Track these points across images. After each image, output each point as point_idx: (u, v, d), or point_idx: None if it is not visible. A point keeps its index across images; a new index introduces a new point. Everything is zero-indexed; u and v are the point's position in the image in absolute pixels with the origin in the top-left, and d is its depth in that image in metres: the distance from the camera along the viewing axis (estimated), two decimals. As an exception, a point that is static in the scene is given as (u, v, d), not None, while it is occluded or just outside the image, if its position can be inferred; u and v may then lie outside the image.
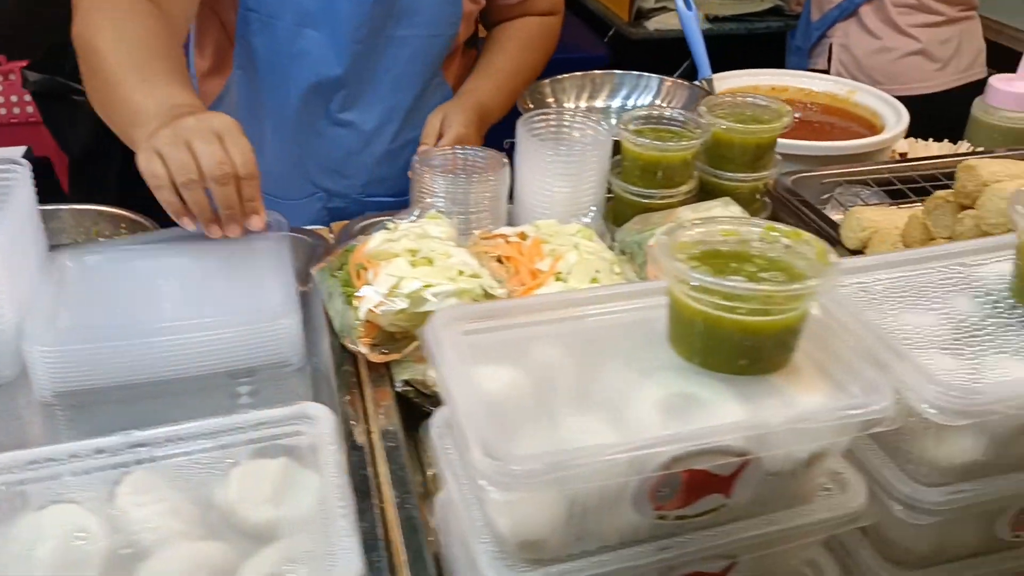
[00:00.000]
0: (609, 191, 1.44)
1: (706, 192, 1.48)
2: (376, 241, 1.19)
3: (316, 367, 1.21)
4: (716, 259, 0.77)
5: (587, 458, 0.65)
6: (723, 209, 1.37)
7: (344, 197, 1.81)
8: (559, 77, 1.81)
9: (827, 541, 0.88)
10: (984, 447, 0.78)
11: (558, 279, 1.19)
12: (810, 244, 0.78)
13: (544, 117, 1.38)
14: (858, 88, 2.03)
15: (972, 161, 1.21)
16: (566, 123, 1.39)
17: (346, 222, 1.47)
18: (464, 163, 1.41)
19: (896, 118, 1.89)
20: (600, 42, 3.66)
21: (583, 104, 1.83)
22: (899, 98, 2.73)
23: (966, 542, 0.86)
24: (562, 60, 2.35)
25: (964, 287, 0.89)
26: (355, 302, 1.11)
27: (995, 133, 1.93)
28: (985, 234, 1.14)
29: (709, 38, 3.54)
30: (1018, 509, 0.84)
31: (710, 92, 1.98)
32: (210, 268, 1.33)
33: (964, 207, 1.22)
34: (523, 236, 1.26)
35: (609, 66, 3.38)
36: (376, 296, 1.10)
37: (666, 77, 1.86)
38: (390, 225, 1.25)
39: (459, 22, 1.72)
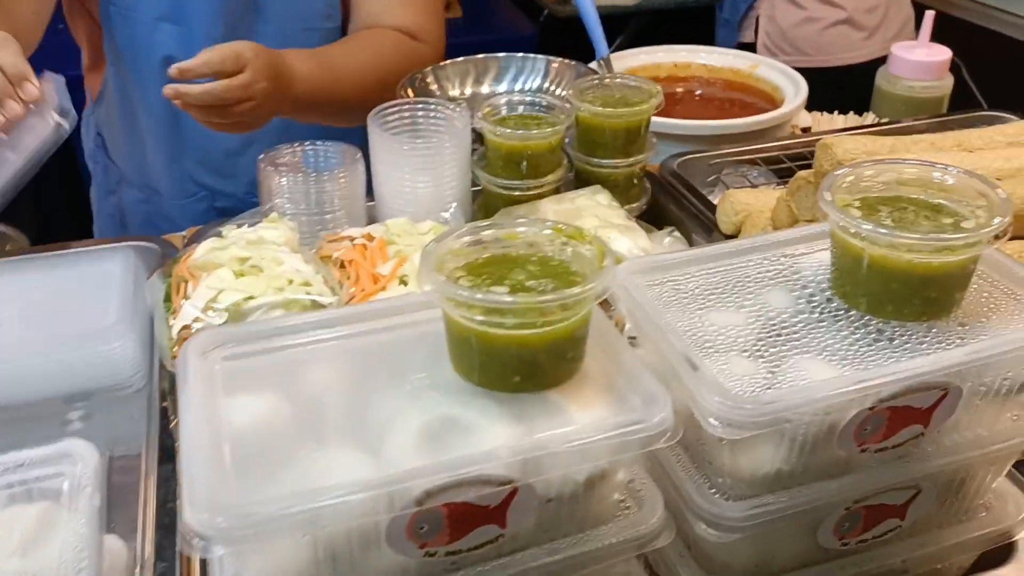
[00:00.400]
0: (477, 183, 1.38)
1: (581, 180, 1.42)
2: (202, 250, 1.12)
3: (156, 390, 1.15)
4: (487, 267, 0.71)
5: (310, 504, 0.59)
6: (588, 198, 1.31)
7: (231, 197, 1.74)
8: (442, 64, 1.73)
9: (648, 556, 0.83)
10: (786, 455, 0.72)
11: (402, 283, 1.13)
12: (592, 245, 0.72)
13: (398, 108, 1.31)
14: (760, 62, 1.96)
15: (829, 139, 1.16)
16: (420, 113, 1.32)
17: (199, 227, 1.40)
18: (315, 160, 1.34)
19: (795, 92, 1.83)
20: (529, 23, 3.58)
21: (468, 91, 1.75)
22: (826, 69, 2.68)
23: (792, 553, 0.81)
24: (491, 42, 2.27)
25: (782, 280, 0.83)
26: (171, 319, 1.04)
27: (899, 103, 1.88)
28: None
29: (638, 13, 3.53)
30: (840, 515, 0.78)
31: (608, 72, 1.91)
32: (46, 287, 1.26)
33: (827, 188, 1.16)
34: (370, 237, 1.19)
35: (536, 47, 3.35)
36: (193, 311, 1.03)
37: (553, 58, 1.78)
38: (224, 231, 1.18)
39: (337, 14, 1.64)
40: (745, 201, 1.32)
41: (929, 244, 0.72)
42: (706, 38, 2.77)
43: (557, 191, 1.38)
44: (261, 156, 1.30)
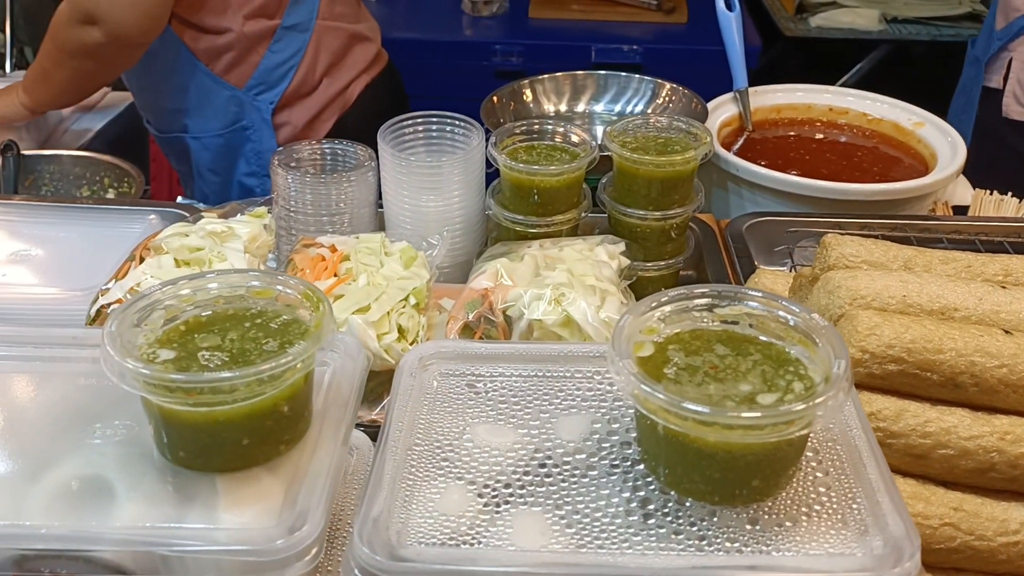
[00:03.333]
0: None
1: (613, 227, 1.28)
2: (167, 231, 1.13)
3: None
4: (189, 333, 0.64)
5: None
6: (586, 248, 1.17)
7: None
8: (539, 77, 1.63)
9: None
10: None
11: (336, 299, 1.07)
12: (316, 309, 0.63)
13: (412, 122, 1.25)
14: (927, 121, 1.67)
15: (830, 237, 0.94)
16: (435, 129, 1.25)
17: (232, 203, 1.42)
18: (332, 160, 1.31)
19: (949, 161, 1.54)
20: (759, 36, 3.33)
21: (563, 107, 1.64)
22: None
23: None
24: (713, 52, 2.09)
25: (594, 408, 0.68)
26: (101, 295, 1.06)
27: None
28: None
29: (881, 41, 3.16)
30: None
31: (742, 106, 1.72)
32: (71, 237, 1.35)
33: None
34: (333, 249, 1.15)
35: (761, 63, 3.10)
36: (117, 293, 1.04)
37: (663, 82, 1.62)
38: (206, 215, 1.19)
39: None
40: (770, 288, 1.12)
41: (701, 418, 0.56)
42: (952, 77, 2.43)
43: (575, 232, 1.25)
44: (278, 150, 1.29)
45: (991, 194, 1.62)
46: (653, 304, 0.64)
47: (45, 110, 1.87)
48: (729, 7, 1.73)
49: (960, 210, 1.59)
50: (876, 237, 1.11)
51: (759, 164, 1.54)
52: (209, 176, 1.87)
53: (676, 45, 3.12)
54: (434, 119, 1.25)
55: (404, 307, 1.08)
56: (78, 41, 1.58)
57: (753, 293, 0.63)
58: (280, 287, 0.66)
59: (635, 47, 3.02)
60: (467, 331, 1.08)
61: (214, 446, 0.61)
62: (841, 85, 2.08)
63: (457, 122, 1.25)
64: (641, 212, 1.23)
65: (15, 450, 0.65)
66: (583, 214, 1.24)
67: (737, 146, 1.70)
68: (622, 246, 1.20)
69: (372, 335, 1.03)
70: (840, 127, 1.75)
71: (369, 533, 0.57)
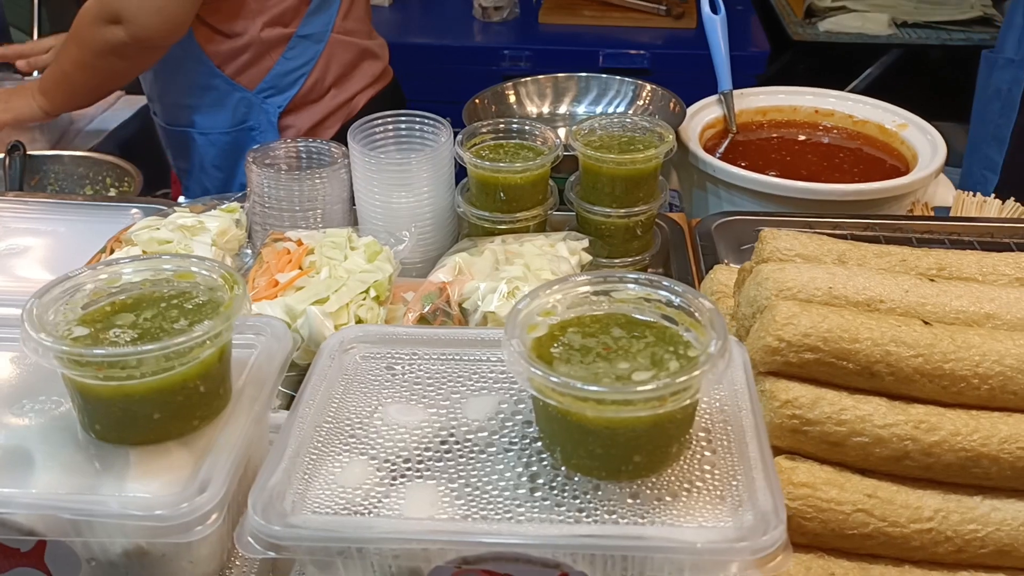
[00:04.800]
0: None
1: (580, 224, 1.30)
2: (139, 224, 1.18)
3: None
4: (108, 314, 0.68)
5: None
6: (547, 245, 1.19)
7: None
8: (523, 79, 1.66)
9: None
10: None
11: (297, 291, 1.11)
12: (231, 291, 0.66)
13: (382, 121, 1.28)
14: (910, 122, 1.67)
15: (768, 231, 0.95)
16: (404, 128, 1.28)
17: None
18: (307, 158, 1.35)
19: (928, 162, 1.54)
20: (767, 41, 3.33)
21: (546, 109, 1.67)
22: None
23: None
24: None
25: (505, 389, 0.71)
26: (70, 285, 1.10)
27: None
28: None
29: (891, 45, 3.14)
30: None
31: (727, 109, 1.73)
32: (62, 231, 1.40)
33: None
34: (299, 243, 1.18)
35: (766, 69, 3.10)
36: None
37: (644, 83, 1.64)
38: (179, 210, 1.22)
39: None
40: (725, 283, 1.14)
41: (579, 393, 0.58)
42: (965, 81, 2.40)
43: (542, 227, 1.28)
44: (253, 148, 1.33)
45: (974, 195, 1.61)
46: (552, 288, 0.66)
47: (61, 112, 1.92)
48: (714, 10, 1.75)
49: (943, 212, 1.59)
50: (845, 237, 1.12)
51: (740, 166, 1.56)
52: (213, 172, 1.92)
53: (684, 50, 3.13)
54: (403, 118, 1.28)
55: (364, 299, 1.11)
56: (102, 39, 1.62)
57: (633, 277, 0.65)
58: (197, 269, 0.69)
59: (643, 52, 3.04)
60: (423, 322, 1.10)
61: (126, 419, 0.64)
62: (850, 90, 2.07)
63: (426, 120, 1.28)
64: (606, 209, 1.25)
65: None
66: (549, 211, 1.26)
67: (722, 148, 1.71)
68: (585, 242, 1.23)
69: (329, 325, 1.06)
70: (825, 129, 1.76)
71: (264, 502, 0.59)
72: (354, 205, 1.34)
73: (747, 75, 2.80)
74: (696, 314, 0.63)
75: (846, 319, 0.79)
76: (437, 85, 2.85)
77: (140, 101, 2.22)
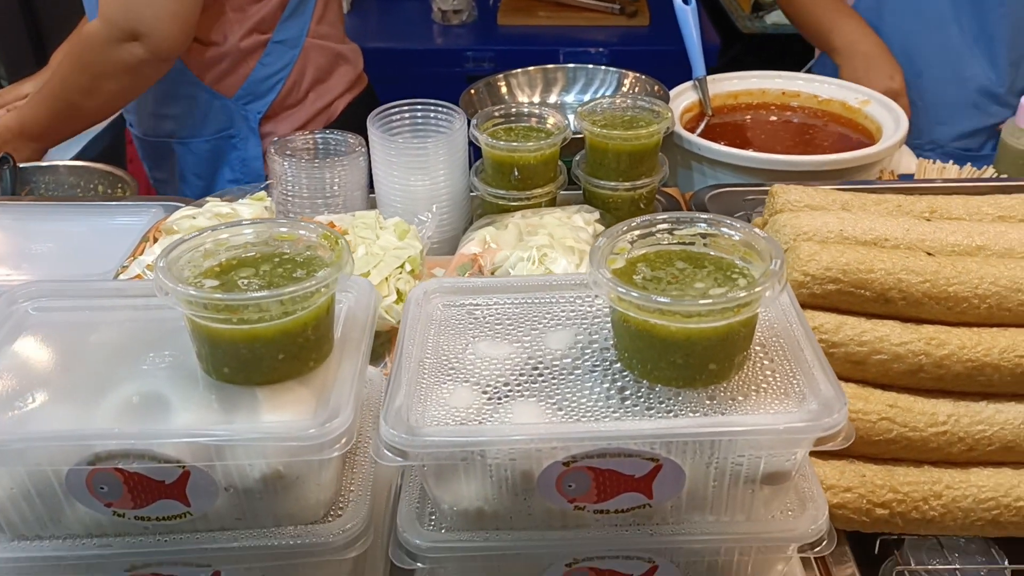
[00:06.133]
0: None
1: (588, 199, 1.40)
2: (176, 215, 1.24)
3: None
4: (227, 268, 0.75)
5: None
6: (566, 216, 1.29)
7: None
8: (514, 72, 1.75)
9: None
10: (485, 495, 0.70)
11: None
12: (334, 252, 0.74)
13: (399, 109, 1.36)
14: (873, 98, 1.81)
15: (778, 186, 1.06)
16: (420, 115, 1.36)
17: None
18: (324, 148, 1.42)
19: (892, 132, 1.67)
20: (717, 35, 3.47)
21: (536, 98, 1.76)
22: None
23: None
24: (675, 52, 2.21)
25: (575, 324, 0.80)
26: (120, 273, 1.17)
27: (1019, 159, 1.66)
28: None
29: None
30: (563, 572, 0.74)
31: (702, 93, 1.85)
32: (83, 231, 1.45)
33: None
34: (332, 225, 1.26)
35: (717, 62, 3.24)
36: (137, 268, 1.15)
37: (626, 72, 1.75)
38: (211, 200, 1.29)
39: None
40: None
41: (664, 308, 0.67)
42: None
43: (553, 203, 1.37)
44: (274, 141, 1.40)
45: (934, 163, 1.75)
46: (623, 229, 0.76)
47: (60, 142, 1.92)
48: (685, 1, 1.87)
49: (907, 178, 1.73)
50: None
51: (719, 143, 1.67)
52: (193, 180, 1.96)
53: (639, 46, 3.26)
54: (419, 106, 1.36)
55: (401, 273, 1.19)
56: (118, 60, 1.61)
57: (703, 216, 0.75)
58: (302, 231, 0.77)
59: (601, 49, 3.16)
60: (459, 291, 1.19)
61: (253, 360, 0.72)
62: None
63: (440, 108, 1.37)
64: (612, 184, 1.35)
65: (78, 381, 0.76)
66: (559, 188, 1.36)
67: (699, 130, 1.82)
68: (597, 214, 1.32)
69: (378, 297, 1.14)
70: (793, 109, 1.89)
71: (393, 419, 0.67)
72: (372, 192, 1.42)
73: (699, 67, 2.94)
74: (754, 243, 0.73)
75: (861, 253, 0.90)
76: (403, 88, 2.92)
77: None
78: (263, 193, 1.33)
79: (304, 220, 0.79)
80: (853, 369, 0.89)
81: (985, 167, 1.73)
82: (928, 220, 0.98)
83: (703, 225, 0.74)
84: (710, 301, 0.67)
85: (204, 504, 0.72)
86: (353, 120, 1.96)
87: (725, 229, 0.74)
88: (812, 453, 0.77)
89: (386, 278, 1.17)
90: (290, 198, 1.37)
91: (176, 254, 0.74)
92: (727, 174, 1.66)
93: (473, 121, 1.34)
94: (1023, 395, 0.89)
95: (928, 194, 1.07)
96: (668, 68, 2.19)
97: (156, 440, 0.68)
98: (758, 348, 0.75)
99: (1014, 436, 0.87)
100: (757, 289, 0.67)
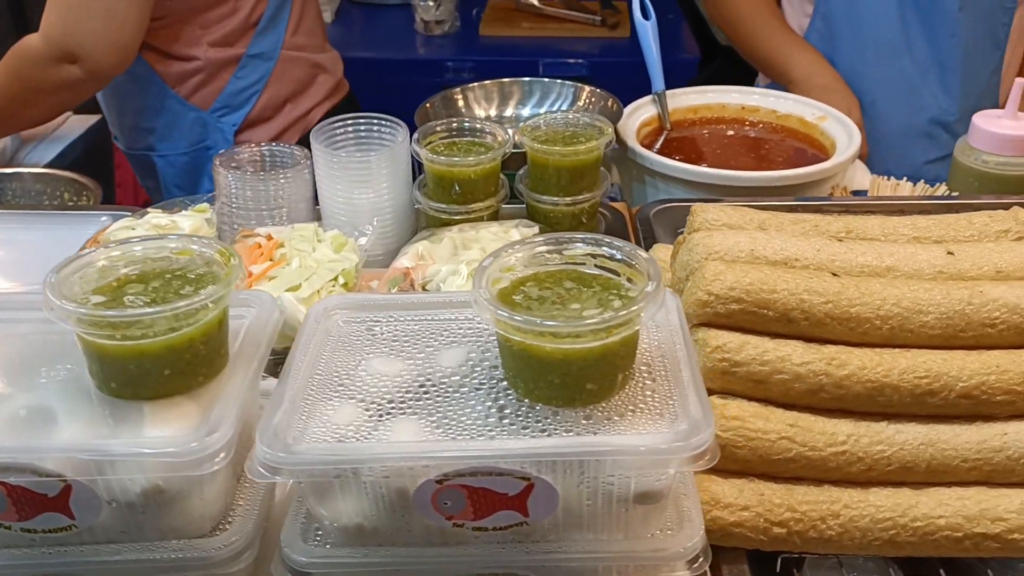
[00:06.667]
0: (423, 203, 1.41)
1: (530, 214, 1.41)
2: (115, 227, 1.25)
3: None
4: (119, 285, 0.76)
5: None
6: (503, 231, 1.30)
7: None
8: (471, 85, 1.77)
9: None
10: (364, 511, 0.71)
11: (270, 280, 1.19)
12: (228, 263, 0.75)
13: (343, 123, 1.37)
14: (829, 114, 1.82)
15: (698, 205, 1.07)
16: (363, 129, 1.38)
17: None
18: (270, 160, 1.43)
19: (845, 148, 1.68)
20: (697, 47, 3.49)
21: (493, 112, 1.78)
22: None
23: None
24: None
25: (471, 342, 0.81)
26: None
27: (971, 178, 1.67)
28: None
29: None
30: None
31: (661, 108, 1.86)
32: (34, 240, 1.46)
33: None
34: (269, 238, 1.27)
35: (697, 72, 3.25)
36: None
37: (583, 85, 1.76)
38: (152, 211, 1.30)
39: None
40: (663, 259, 1.25)
41: (538, 329, 0.68)
42: None
43: (495, 217, 1.38)
44: (219, 153, 1.41)
45: (888, 179, 1.76)
46: (511, 249, 0.77)
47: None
48: (645, 16, 1.88)
49: (860, 194, 1.74)
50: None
51: (675, 159, 1.68)
52: (176, 192, 1.98)
53: (620, 58, 3.27)
54: (362, 120, 1.38)
55: (334, 286, 1.20)
56: (56, 78, 1.64)
57: (581, 236, 0.76)
58: (196, 247, 0.78)
59: (581, 60, 3.17)
60: (390, 304, 1.20)
61: (139, 376, 0.73)
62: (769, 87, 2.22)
63: (384, 122, 1.38)
64: (553, 199, 1.36)
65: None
66: (500, 203, 1.37)
67: (658, 144, 1.83)
68: (535, 228, 1.34)
69: (302, 310, 1.15)
70: (751, 124, 1.90)
71: (270, 435, 0.68)
72: (317, 204, 1.43)
73: (680, 80, 2.95)
74: (635, 264, 0.74)
75: (765, 273, 0.90)
76: (384, 97, 2.94)
77: (90, 120, 2.28)
78: (205, 205, 1.34)
79: (202, 238, 0.80)
80: (755, 388, 0.89)
81: (939, 184, 1.74)
82: (840, 240, 0.98)
83: (581, 245, 0.75)
84: (585, 321, 0.68)
85: (89, 518, 0.73)
86: None
87: (606, 248, 0.75)
88: (711, 470, 0.78)
89: (318, 291, 1.18)
90: (234, 210, 1.38)
91: (69, 270, 0.75)
92: (679, 189, 1.67)
93: (415, 136, 1.35)
94: (923, 416, 0.89)
95: (847, 214, 1.07)
96: (648, 79, 2.19)
97: (37, 454, 0.69)
98: (643, 368, 0.76)
99: (912, 457, 0.88)
100: (634, 308, 0.68)
